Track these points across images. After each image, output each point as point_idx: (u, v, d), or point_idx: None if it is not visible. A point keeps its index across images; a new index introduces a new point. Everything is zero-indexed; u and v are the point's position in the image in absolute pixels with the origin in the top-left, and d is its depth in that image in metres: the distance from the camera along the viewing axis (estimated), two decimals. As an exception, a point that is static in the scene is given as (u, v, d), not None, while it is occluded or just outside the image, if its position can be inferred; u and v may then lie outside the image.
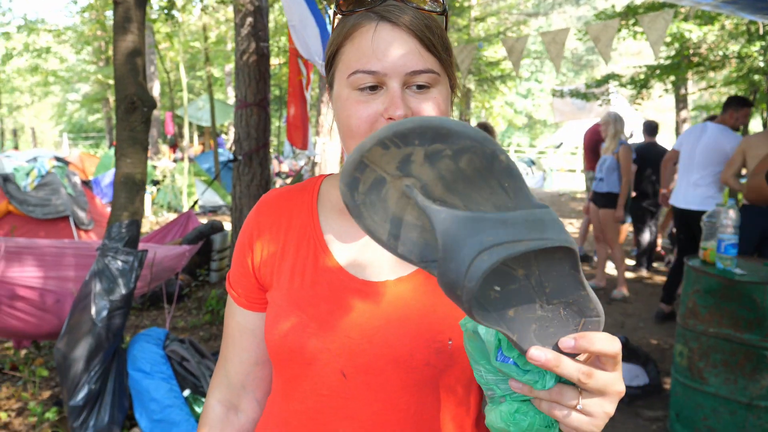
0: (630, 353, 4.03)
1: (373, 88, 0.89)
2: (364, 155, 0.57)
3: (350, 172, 0.58)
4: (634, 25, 8.67)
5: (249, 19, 6.05)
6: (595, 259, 7.90)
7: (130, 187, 3.18)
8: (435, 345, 0.91)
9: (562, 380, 0.65)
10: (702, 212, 4.92)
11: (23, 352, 4.39)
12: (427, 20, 0.89)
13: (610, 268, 7.31)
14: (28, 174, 7.21)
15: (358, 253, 0.99)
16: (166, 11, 7.42)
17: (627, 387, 3.85)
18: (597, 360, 0.65)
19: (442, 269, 0.57)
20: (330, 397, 0.94)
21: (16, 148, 23.14)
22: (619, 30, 8.55)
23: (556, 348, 0.63)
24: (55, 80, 24.12)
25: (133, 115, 3.13)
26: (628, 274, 7.11)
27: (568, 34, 3.91)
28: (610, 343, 0.62)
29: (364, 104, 0.89)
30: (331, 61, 0.96)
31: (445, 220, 0.56)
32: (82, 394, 3.01)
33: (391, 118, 0.87)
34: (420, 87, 0.89)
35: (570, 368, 0.62)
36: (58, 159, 12.54)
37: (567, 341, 0.62)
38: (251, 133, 5.94)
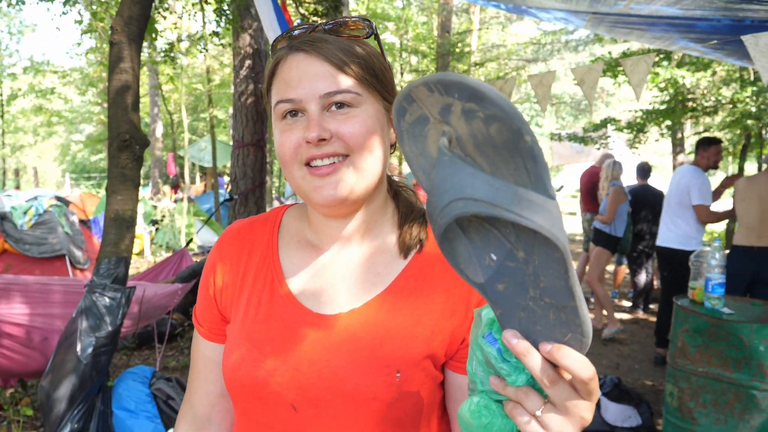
0: (622, 394, 3.98)
1: (294, 114, 0.92)
2: (412, 90, 0.61)
3: (399, 101, 0.63)
4: (617, 70, 8.82)
5: (248, 62, 6.18)
6: (591, 300, 7.87)
7: (120, 224, 3.20)
8: (383, 378, 0.90)
9: (535, 388, 0.66)
10: (674, 249, 5.25)
11: (9, 391, 4.34)
12: (345, 45, 0.93)
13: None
14: (25, 213, 7.25)
15: (314, 284, 1.00)
16: (168, 54, 7.57)
17: (619, 428, 3.79)
18: (573, 383, 0.64)
19: (428, 201, 0.62)
20: (282, 430, 0.94)
21: (17, 187, 23.29)
22: (604, 73, 8.69)
23: (536, 346, 0.64)
24: (59, 120, 24.43)
25: (124, 152, 3.17)
26: (625, 316, 7.07)
27: (554, 76, 4.00)
28: (582, 366, 0.62)
29: (288, 132, 0.92)
30: (267, 98, 0.99)
31: (444, 162, 0.60)
32: (64, 433, 2.98)
33: (308, 141, 0.89)
34: (340, 107, 0.91)
35: (536, 364, 0.62)
36: (58, 198, 12.61)
37: (545, 345, 0.62)
38: (248, 173, 6.01)
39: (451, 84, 0.58)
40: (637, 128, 10.28)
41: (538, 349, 0.64)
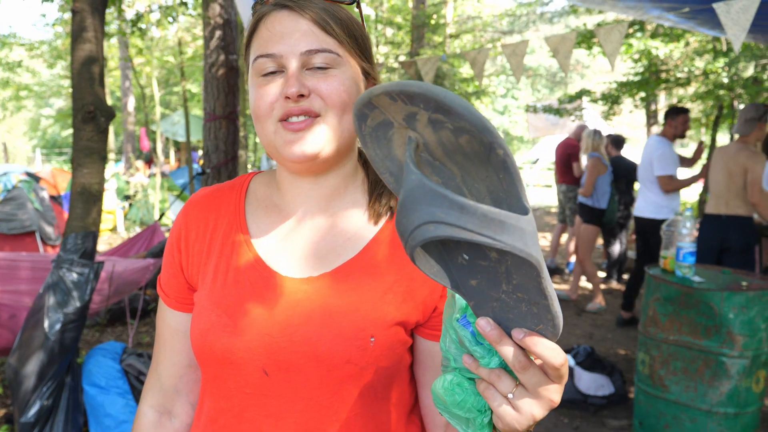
0: (595, 363, 4.03)
1: (273, 72, 0.92)
2: (372, 97, 0.60)
3: (359, 106, 0.62)
4: (591, 41, 8.83)
5: (218, 32, 6.03)
6: (567, 271, 7.94)
7: (87, 198, 3.12)
8: (357, 342, 0.90)
9: (507, 370, 0.68)
10: (646, 218, 5.40)
11: (-21, 369, 4.27)
12: (329, 6, 0.93)
13: (584, 281, 7.34)
14: (-7, 188, 7.08)
15: (283, 248, 0.99)
16: (136, 24, 7.38)
17: (592, 397, 3.85)
18: (543, 368, 0.66)
19: (397, 219, 0.61)
20: (254, 395, 0.94)
21: (-14, 163, 22.69)
22: (578, 44, 8.69)
23: (508, 333, 0.66)
24: (28, 95, 23.82)
25: (89, 124, 3.08)
26: (599, 286, 7.17)
27: (527, 45, 3.97)
28: (553, 353, 0.64)
29: (265, 87, 0.92)
30: (246, 56, 0.98)
31: (413, 181, 0.59)
32: (33, 411, 2.93)
33: (287, 97, 0.89)
34: (320, 67, 0.91)
35: (508, 350, 0.65)
36: (29, 174, 12.34)
37: (517, 332, 0.64)
38: (220, 146, 5.89)
39: (415, 95, 0.57)
40: (611, 100, 10.32)
41: (510, 334, 0.65)
